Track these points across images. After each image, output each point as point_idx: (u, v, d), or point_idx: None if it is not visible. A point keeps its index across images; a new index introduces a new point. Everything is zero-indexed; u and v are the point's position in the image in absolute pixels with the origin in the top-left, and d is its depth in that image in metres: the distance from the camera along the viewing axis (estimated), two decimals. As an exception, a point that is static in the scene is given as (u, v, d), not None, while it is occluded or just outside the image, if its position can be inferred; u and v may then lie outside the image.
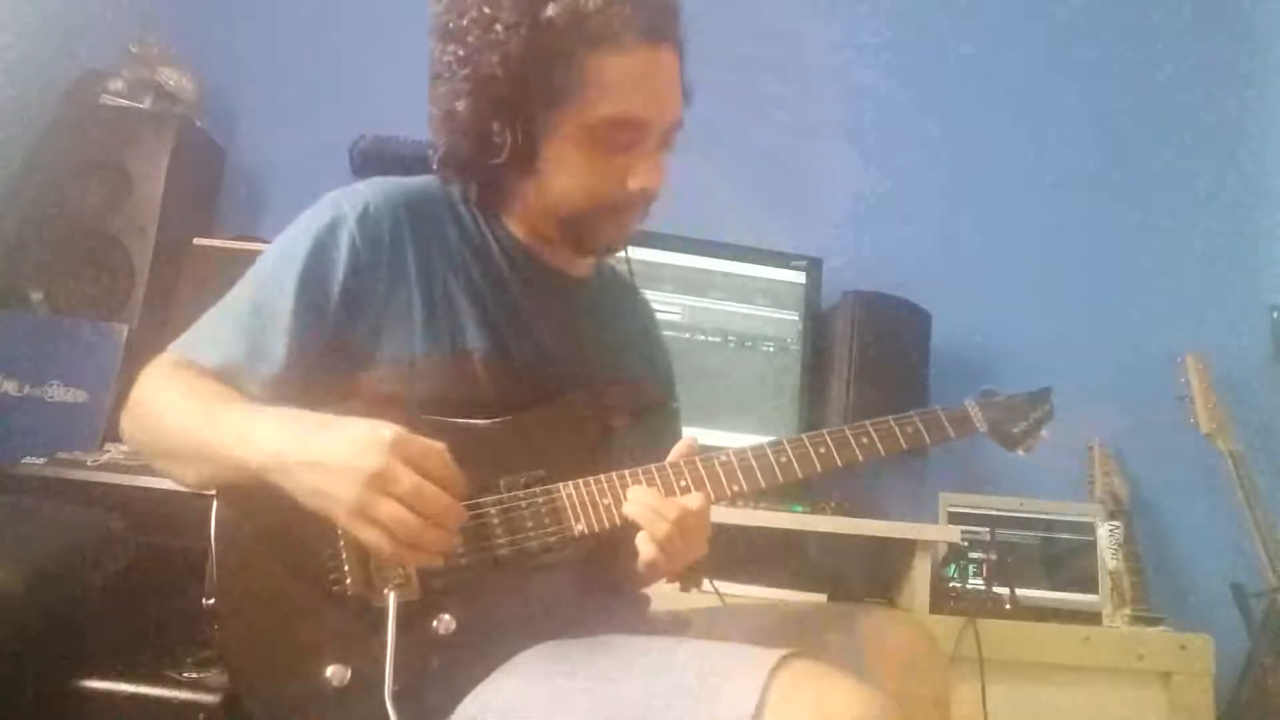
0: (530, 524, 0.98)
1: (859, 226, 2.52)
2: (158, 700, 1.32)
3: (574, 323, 1.14)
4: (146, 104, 2.25)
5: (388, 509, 0.83)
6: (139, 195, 2.11)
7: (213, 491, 0.95)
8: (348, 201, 1.05)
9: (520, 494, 0.99)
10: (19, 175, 2.16)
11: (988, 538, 2.13)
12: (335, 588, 0.91)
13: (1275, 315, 2.46)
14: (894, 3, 2.68)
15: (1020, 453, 1.19)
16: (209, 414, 0.94)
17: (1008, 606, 2.00)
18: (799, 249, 2.30)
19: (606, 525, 0.99)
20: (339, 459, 0.85)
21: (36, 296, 2.06)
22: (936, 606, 1.92)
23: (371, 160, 2.17)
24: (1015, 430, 1.19)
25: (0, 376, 1.91)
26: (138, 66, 2.26)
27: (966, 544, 2.09)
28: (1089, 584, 2.13)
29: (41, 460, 1.74)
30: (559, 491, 1.00)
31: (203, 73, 2.35)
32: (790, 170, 2.52)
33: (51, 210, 2.10)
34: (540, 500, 0.99)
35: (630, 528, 0.99)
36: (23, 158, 2.17)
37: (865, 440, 1.09)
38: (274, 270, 1.02)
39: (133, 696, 1.32)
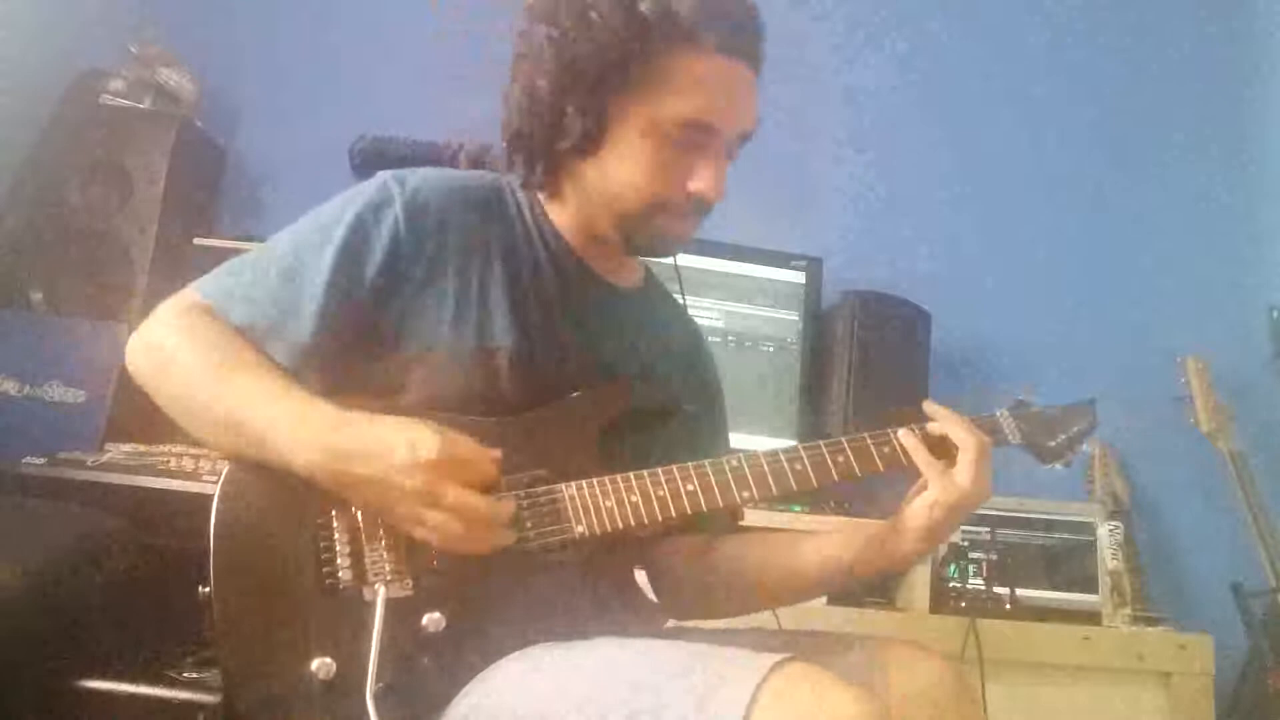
0: (530, 524, 0.97)
1: (859, 226, 2.52)
2: (158, 700, 1.32)
3: (610, 330, 1.14)
4: (146, 104, 2.24)
5: (433, 519, 0.89)
6: (139, 195, 2.11)
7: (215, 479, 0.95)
8: (397, 184, 1.06)
9: (521, 494, 0.98)
10: (19, 175, 2.16)
11: (988, 538, 2.13)
12: (328, 580, 0.92)
13: (1275, 315, 2.46)
14: (894, 3, 2.68)
15: (1058, 466, 1.14)
16: (251, 393, 0.95)
17: (1008, 606, 2.00)
18: (799, 249, 2.30)
19: (608, 528, 0.98)
20: (385, 477, 0.89)
21: (36, 296, 2.06)
22: (936, 606, 1.92)
23: (371, 160, 2.17)
24: (1051, 444, 1.13)
25: (0, 376, 1.91)
26: (138, 66, 2.26)
27: (966, 544, 2.09)
28: (1089, 584, 2.13)
29: (41, 460, 1.74)
30: (560, 492, 0.99)
31: (203, 73, 2.34)
32: (790, 170, 2.52)
33: (51, 210, 2.10)
34: (542, 500, 0.98)
35: (634, 534, 0.98)
36: (23, 158, 2.17)
37: (888, 449, 1.05)
38: (313, 239, 1.03)
39: (133, 696, 1.32)
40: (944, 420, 1.05)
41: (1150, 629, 2.02)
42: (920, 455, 1.04)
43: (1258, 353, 2.47)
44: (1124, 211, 2.58)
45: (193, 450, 1.75)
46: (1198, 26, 2.67)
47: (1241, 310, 2.50)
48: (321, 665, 0.88)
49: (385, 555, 0.93)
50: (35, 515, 1.48)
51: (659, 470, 1.01)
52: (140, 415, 1.92)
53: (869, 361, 2.15)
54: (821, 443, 1.05)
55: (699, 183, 1.05)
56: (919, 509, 1.02)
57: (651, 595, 1.20)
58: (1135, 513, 2.26)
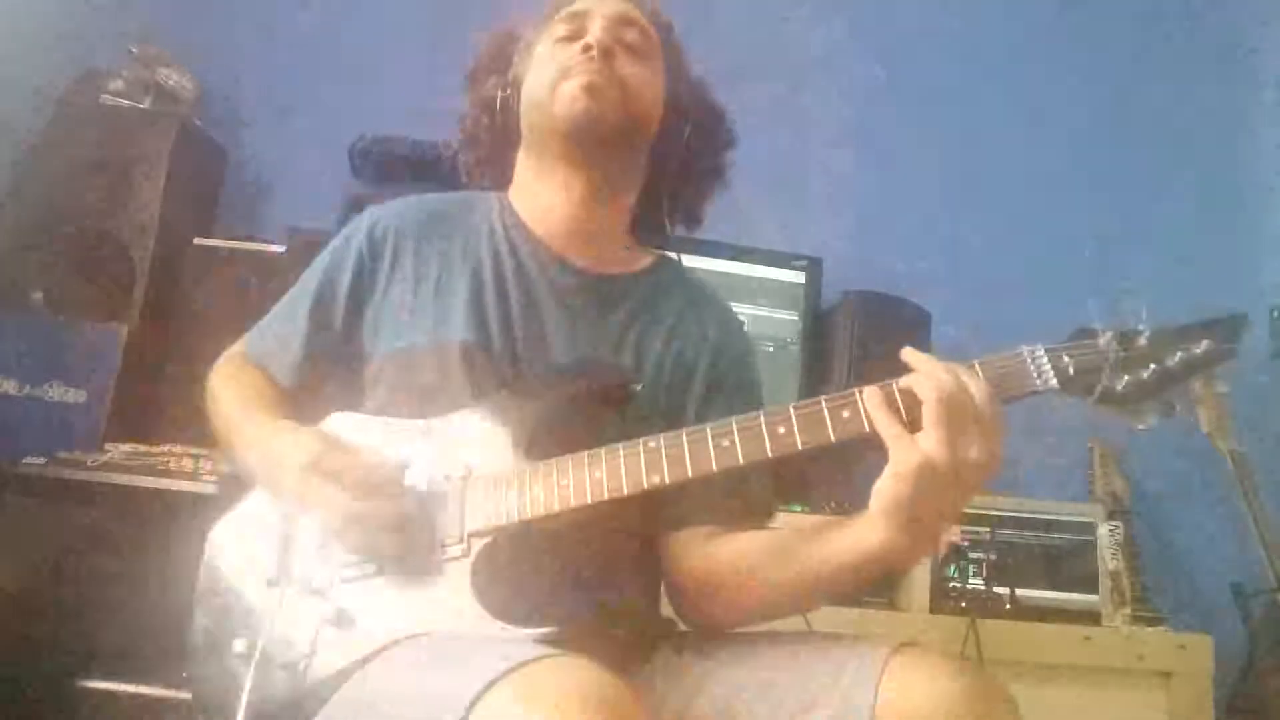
0: (432, 521, 0.96)
1: (859, 226, 2.52)
2: (158, 700, 1.32)
3: (586, 319, 1.12)
4: (146, 104, 2.25)
5: (313, 514, 0.97)
6: (139, 195, 2.11)
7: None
8: (370, 213, 1.19)
9: (425, 490, 0.97)
10: (19, 175, 2.16)
11: (988, 537, 2.13)
12: (267, 575, 1.00)
13: (1275, 315, 2.46)
14: (894, 2, 2.68)
15: (1143, 425, 0.85)
16: (234, 420, 1.10)
17: (1008, 606, 2.00)
18: (799, 249, 2.30)
19: (501, 522, 0.94)
20: (275, 478, 1.01)
21: (36, 296, 2.06)
22: (936, 606, 1.92)
23: (371, 160, 2.17)
24: (1118, 386, 0.87)
25: (0, 376, 1.91)
26: (138, 66, 2.26)
27: (966, 544, 2.09)
28: (1089, 584, 2.13)
29: (41, 460, 1.74)
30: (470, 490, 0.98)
31: (203, 73, 2.35)
32: (790, 170, 2.52)
33: (51, 210, 2.10)
34: (452, 498, 0.97)
35: (539, 525, 0.94)
36: (23, 158, 2.17)
37: (848, 414, 0.86)
38: (306, 277, 1.19)
39: (133, 696, 1.32)
40: (916, 368, 0.84)
41: (1150, 629, 2.02)
42: (882, 416, 0.84)
43: (1258, 353, 2.47)
44: (1124, 211, 2.58)
45: (192, 450, 1.76)
46: (1197, 26, 2.67)
47: (1241, 310, 2.50)
48: (241, 645, 0.96)
49: (309, 552, 0.99)
50: (35, 515, 1.49)
51: (568, 457, 0.94)
52: (140, 415, 1.93)
53: (869, 361, 2.15)
54: (763, 411, 0.89)
55: (587, 38, 1.13)
56: (881, 483, 0.84)
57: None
58: (1135, 513, 2.26)
